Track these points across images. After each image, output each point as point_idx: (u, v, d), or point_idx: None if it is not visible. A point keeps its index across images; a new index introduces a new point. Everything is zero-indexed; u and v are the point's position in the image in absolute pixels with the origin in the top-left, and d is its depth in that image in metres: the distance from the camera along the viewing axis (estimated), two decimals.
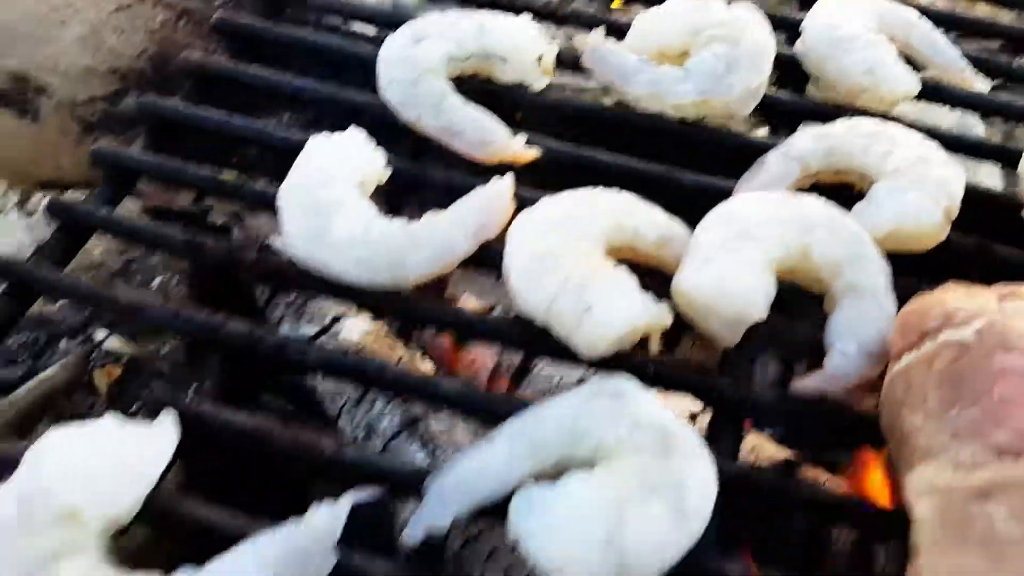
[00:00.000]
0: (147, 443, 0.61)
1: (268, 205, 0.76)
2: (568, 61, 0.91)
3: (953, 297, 0.65)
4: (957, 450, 0.58)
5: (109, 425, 0.60)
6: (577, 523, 0.57)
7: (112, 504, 0.58)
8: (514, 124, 0.85)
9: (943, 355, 0.62)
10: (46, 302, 1.44)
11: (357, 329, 1.05)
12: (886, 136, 0.79)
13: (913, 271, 0.74)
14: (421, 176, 0.81)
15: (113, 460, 0.59)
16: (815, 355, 0.70)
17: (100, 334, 1.39)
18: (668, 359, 0.71)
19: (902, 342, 0.65)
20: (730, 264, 0.68)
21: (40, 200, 1.67)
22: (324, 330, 1.05)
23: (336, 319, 1.05)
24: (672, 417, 0.61)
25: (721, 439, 0.67)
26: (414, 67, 0.84)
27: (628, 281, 0.69)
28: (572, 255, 0.69)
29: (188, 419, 0.64)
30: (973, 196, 0.78)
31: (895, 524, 0.60)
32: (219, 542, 0.58)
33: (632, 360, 0.69)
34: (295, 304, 1.07)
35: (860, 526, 0.65)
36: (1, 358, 1.38)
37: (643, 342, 0.70)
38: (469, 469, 0.62)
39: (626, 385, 0.63)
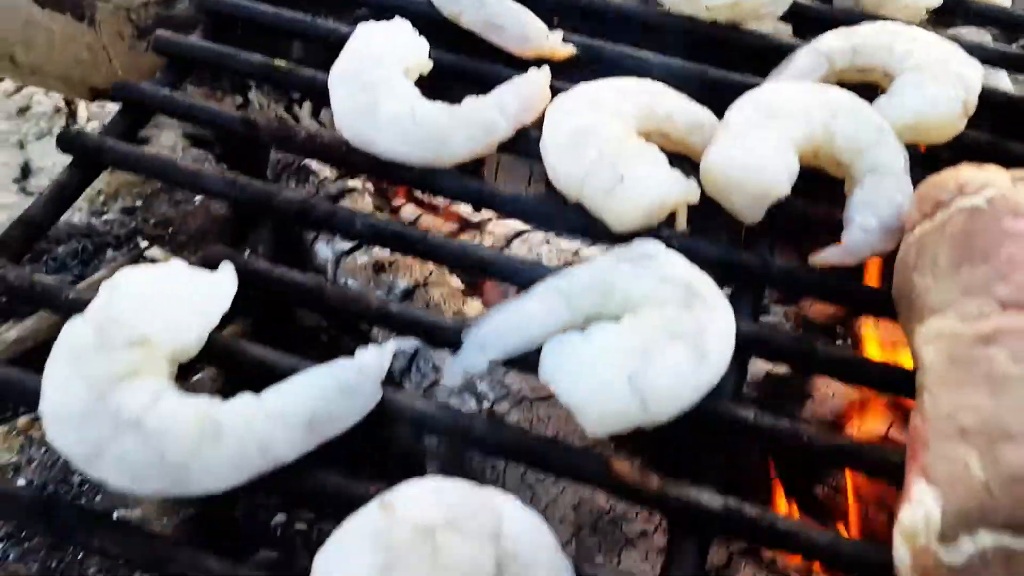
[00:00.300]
0: (210, 285, 0.66)
1: (318, 91, 0.81)
2: None
3: (967, 171, 0.68)
4: (964, 304, 0.61)
5: (177, 266, 0.66)
6: (602, 364, 0.61)
7: (178, 335, 0.63)
8: (551, 25, 0.89)
9: (955, 220, 0.65)
10: (95, 211, 1.51)
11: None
12: (909, 36, 0.82)
13: (929, 167, 0.77)
14: (462, 67, 0.85)
15: (180, 296, 0.64)
16: (835, 235, 0.73)
17: (144, 244, 1.46)
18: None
19: (917, 214, 0.68)
20: (756, 141, 0.72)
21: (87, 113, 1.73)
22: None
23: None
24: (696, 273, 0.66)
25: (741, 304, 0.71)
26: None
27: (659, 156, 0.73)
28: (607, 131, 0.73)
29: (245, 274, 0.69)
30: (988, 96, 0.81)
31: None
32: (274, 381, 0.63)
33: (659, 235, 0.73)
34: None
35: (877, 385, 0.68)
36: (52, 265, 1.45)
37: (670, 219, 0.75)
38: (505, 320, 0.66)
39: (655, 247, 0.67)
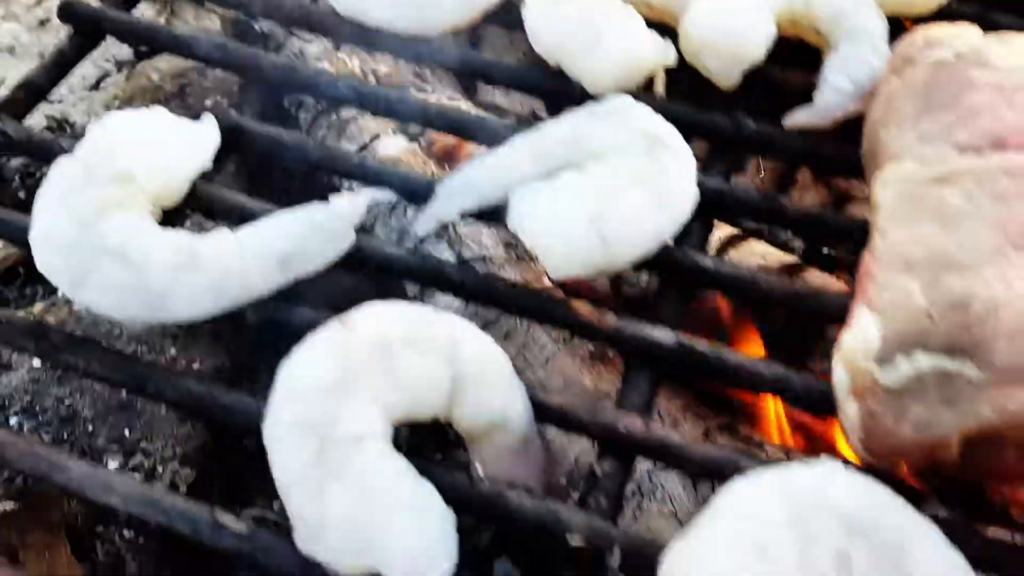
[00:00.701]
0: (192, 132, 0.69)
1: None
2: None
3: (938, 28, 0.68)
4: (922, 149, 0.62)
5: (162, 113, 0.68)
6: (565, 208, 0.63)
7: (160, 175, 0.66)
8: None
9: (921, 72, 0.66)
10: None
11: (394, 146, 1.11)
12: None
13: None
14: None
15: (163, 140, 0.67)
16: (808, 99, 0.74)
17: None
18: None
19: (889, 72, 0.69)
20: (734, 4, 0.73)
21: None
22: (363, 147, 1.12)
23: (375, 137, 1.11)
24: (661, 123, 0.67)
25: (714, 165, 0.72)
26: None
27: (637, 18, 0.74)
28: None
29: (229, 129, 0.71)
30: None
31: None
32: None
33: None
34: (336, 123, 1.14)
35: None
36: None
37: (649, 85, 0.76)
38: (477, 171, 0.68)
39: (624, 100, 0.68)
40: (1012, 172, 0.59)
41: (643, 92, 0.74)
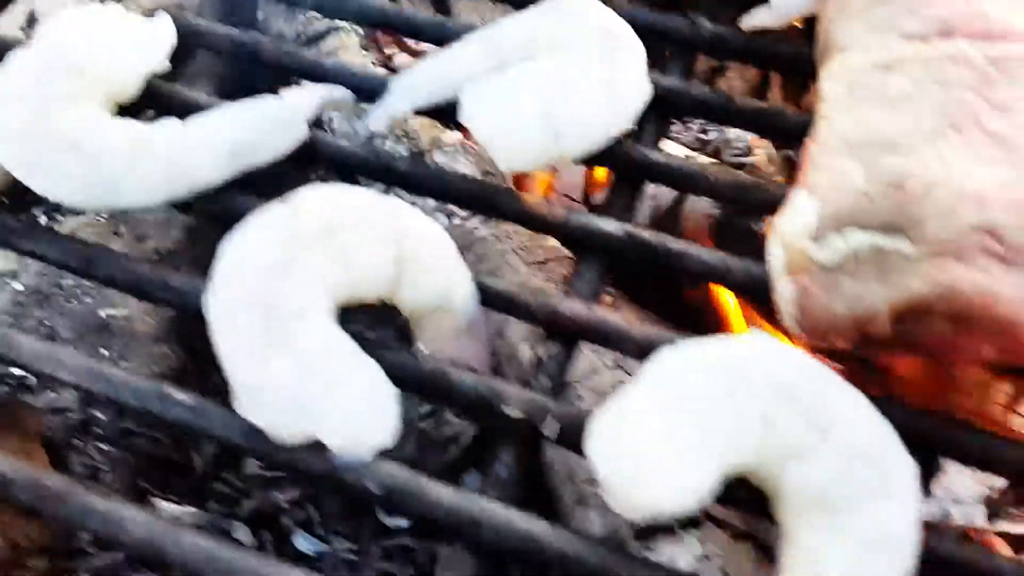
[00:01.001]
0: (147, 31, 0.69)
1: None
2: None
3: None
4: (869, 38, 0.62)
5: (116, 9, 0.69)
6: (515, 98, 0.64)
7: (114, 71, 0.66)
8: None
9: None
10: None
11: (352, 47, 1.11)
12: None
13: None
14: None
15: (117, 35, 0.67)
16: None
17: None
18: None
19: None
20: None
21: None
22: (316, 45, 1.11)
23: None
24: (615, 19, 0.67)
25: (671, 67, 0.73)
26: None
27: None
28: None
29: (186, 30, 0.71)
30: None
31: None
32: None
33: None
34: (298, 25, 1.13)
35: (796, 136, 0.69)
36: None
37: None
38: (430, 67, 0.69)
39: None
40: (956, 58, 0.59)
41: None
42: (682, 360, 0.49)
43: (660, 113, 0.69)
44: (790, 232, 0.55)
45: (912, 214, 0.53)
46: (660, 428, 0.47)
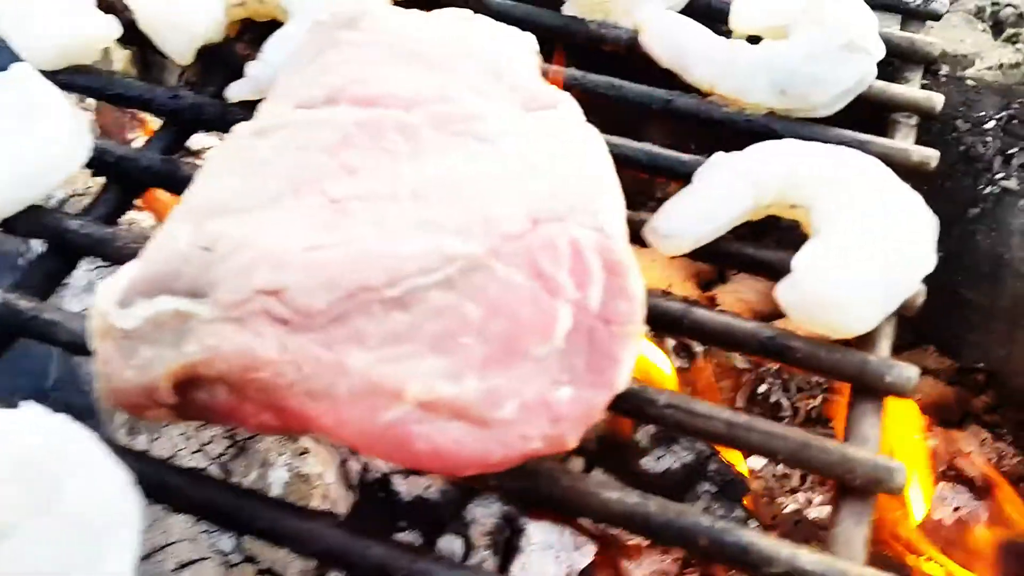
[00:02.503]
0: None
1: None
2: None
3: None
4: (265, 109, 0.61)
5: None
6: None
7: None
8: None
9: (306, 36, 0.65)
10: None
11: None
12: None
13: None
14: None
15: None
16: None
17: None
18: None
19: None
20: None
21: None
22: None
23: None
24: (42, 83, 0.65)
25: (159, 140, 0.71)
26: None
27: None
28: None
29: None
30: None
31: None
32: None
33: None
34: None
35: None
36: None
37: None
38: None
39: (24, 70, 0.67)
40: (326, 123, 0.58)
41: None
42: None
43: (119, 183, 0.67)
44: (100, 298, 0.52)
45: (214, 277, 0.51)
46: None
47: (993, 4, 2.53)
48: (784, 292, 0.57)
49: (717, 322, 0.58)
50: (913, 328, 0.77)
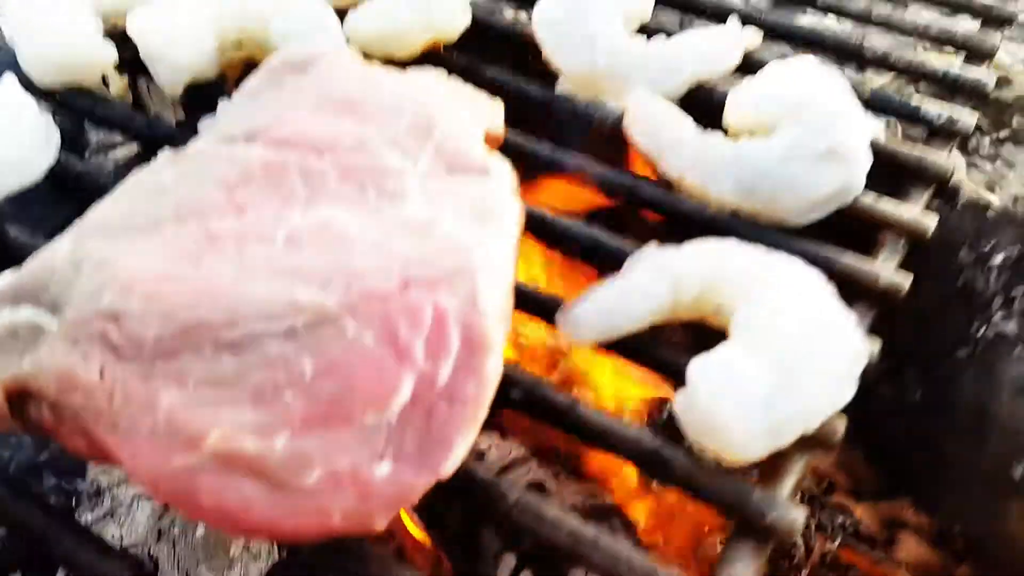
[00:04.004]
0: None
1: None
2: None
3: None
4: (201, 138, 0.61)
5: None
6: None
7: None
8: None
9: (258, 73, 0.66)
10: None
11: None
12: None
13: None
14: None
15: None
16: None
17: None
18: None
19: None
20: (173, 11, 0.75)
21: None
22: None
23: None
24: (15, 90, 0.68)
25: None
26: None
27: (88, 21, 0.76)
28: None
29: None
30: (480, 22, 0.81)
31: None
32: None
33: None
34: None
35: None
36: None
37: None
38: None
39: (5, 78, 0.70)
40: (231, 158, 0.57)
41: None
42: None
43: None
44: None
45: (71, 294, 0.50)
46: None
47: None
48: (679, 403, 0.52)
49: (600, 423, 0.53)
50: (889, 475, 0.68)
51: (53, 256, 0.53)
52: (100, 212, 0.56)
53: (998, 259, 0.67)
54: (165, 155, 0.60)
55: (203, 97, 0.77)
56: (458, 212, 0.56)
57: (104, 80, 0.77)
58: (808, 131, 0.65)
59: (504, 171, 0.61)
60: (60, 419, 0.47)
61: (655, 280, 0.56)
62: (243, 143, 0.59)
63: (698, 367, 0.51)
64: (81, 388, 0.46)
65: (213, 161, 0.57)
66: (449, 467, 0.46)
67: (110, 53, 0.76)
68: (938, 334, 0.68)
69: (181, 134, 0.73)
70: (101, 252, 0.52)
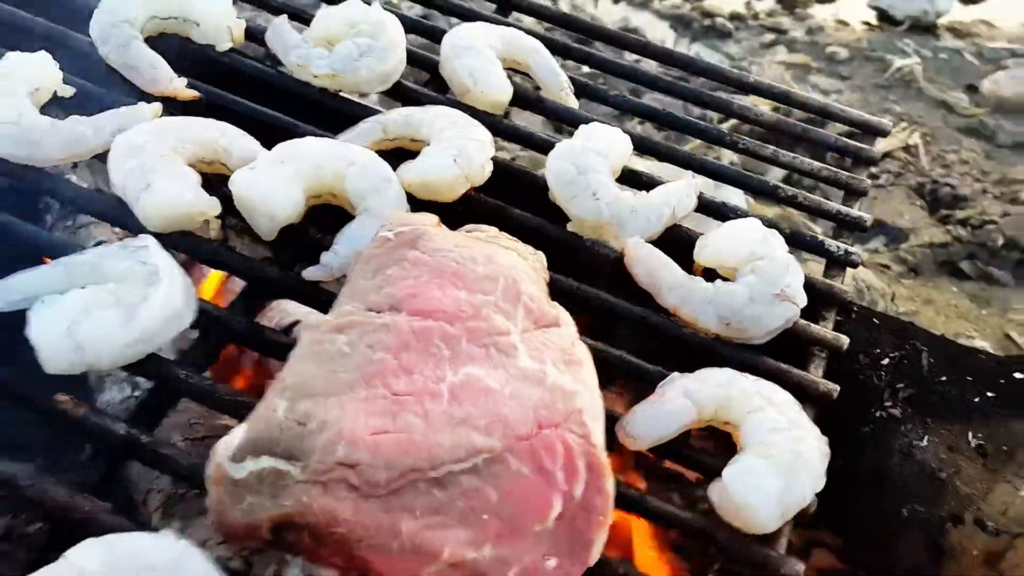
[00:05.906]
0: None
1: None
2: (258, 36, 1.16)
3: (404, 215, 0.89)
4: (342, 305, 0.81)
5: None
6: (47, 316, 0.79)
7: None
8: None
9: (373, 246, 0.85)
10: None
11: None
12: (445, 116, 1.04)
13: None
14: (98, 95, 1.05)
15: None
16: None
17: None
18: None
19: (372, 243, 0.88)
20: (268, 173, 0.92)
21: None
22: None
23: None
24: (163, 255, 0.84)
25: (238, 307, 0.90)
26: (115, 15, 1.08)
27: (190, 176, 0.92)
28: (154, 152, 0.92)
29: None
30: (500, 169, 1.03)
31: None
32: None
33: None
34: None
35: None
36: None
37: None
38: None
39: (149, 240, 0.85)
40: (389, 327, 0.77)
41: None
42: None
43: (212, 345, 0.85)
44: (218, 451, 0.70)
45: (306, 447, 0.69)
46: None
47: (933, 183, 2.85)
48: (713, 492, 0.78)
49: (663, 509, 0.78)
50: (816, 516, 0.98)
51: (275, 415, 0.71)
52: (295, 376, 0.74)
53: (885, 361, 0.98)
54: (327, 324, 0.78)
55: (286, 239, 0.94)
56: (555, 361, 0.79)
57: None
58: (764, 280, 0.92)
59: (568, 319, 0.84)
60: (321, 543, 0.67)
61: (685, 402, 0.82)
62: (389, 312, 0.78)
63: (731, 473, 0.77)
64: (343, 523, 0.66)
65: (373, 331, 0.77)
66: (594, 557, 0.70)
67: (215, 206, 0.92)
68: (847, 418, 0.98)
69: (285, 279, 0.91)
70: (320, 413, 0.71)
